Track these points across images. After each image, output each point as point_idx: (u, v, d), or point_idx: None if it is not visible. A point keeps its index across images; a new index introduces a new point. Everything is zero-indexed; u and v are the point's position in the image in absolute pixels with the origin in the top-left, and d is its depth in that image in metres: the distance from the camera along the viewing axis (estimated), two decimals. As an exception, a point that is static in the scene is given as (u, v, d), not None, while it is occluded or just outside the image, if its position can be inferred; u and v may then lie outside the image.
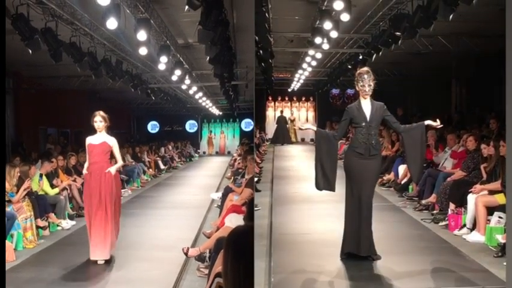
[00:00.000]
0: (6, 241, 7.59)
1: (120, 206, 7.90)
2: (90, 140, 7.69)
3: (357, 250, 6.59)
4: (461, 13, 9.18)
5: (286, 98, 22.83)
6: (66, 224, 9.72)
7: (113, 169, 7.59)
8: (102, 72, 12.31)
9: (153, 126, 26.29)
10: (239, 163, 13.78)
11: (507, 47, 4.46)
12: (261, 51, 12.22)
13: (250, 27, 10.02)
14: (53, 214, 9.60)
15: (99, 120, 7.62)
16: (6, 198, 8.41)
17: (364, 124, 6.60)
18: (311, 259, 6.88)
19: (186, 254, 7.00)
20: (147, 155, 18.31)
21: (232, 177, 12.92)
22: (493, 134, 10.98)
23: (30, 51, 9.28)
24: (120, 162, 7.92)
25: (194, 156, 24.59)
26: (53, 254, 8.04)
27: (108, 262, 7.33)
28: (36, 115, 17.05)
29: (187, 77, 15.23)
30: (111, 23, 8.65)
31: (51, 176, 10.42)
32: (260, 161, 16.01)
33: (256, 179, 12.76)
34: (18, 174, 8.86)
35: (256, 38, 10.75)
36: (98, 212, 7.39)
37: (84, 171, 7.79)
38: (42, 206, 9.32)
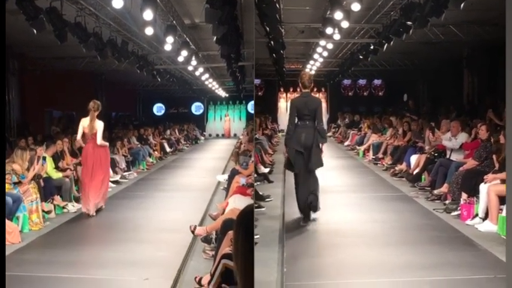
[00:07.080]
0: (12, 223, 7.60)
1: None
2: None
3: None
4: (472, 2, 9.10)
5: (298, 89, 22.64)
6: (72, 206, 9.68)
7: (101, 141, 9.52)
8: (107, 53, 12.19)
9: (158, 108, 26.18)
10: (245, 145, 13.68)
11: (507, 44, 4.32)
12: (272, 42, 12.09)
13: (252, 4, 9.89)
14: (58, 197, 9.57)
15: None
16: (17, 180, 8.39)
17: None
18: (324, 249, 6.88)
19: (193, 232, 6.93)
20: (153, 137, 18.26)
21: (238, 159, 12.82)
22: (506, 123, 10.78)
23: (35, 31, 9.15)
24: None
25: (200, 138, 24.54)
26: (58, 236, 8.02)
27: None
28: (41, 97, 16.96)
29: (193, 58, 15.08)
30: (117, 2, 8.57)
31: (57, 158, 10.37)
32: (272, 152, 15.90)
33: (268, 170, 12.76)
34: (29, 156, 8.82)
35: (267, 28, 10.61)
36: (97, 172, 9.35)
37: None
38: (47, 188, 9.30)
